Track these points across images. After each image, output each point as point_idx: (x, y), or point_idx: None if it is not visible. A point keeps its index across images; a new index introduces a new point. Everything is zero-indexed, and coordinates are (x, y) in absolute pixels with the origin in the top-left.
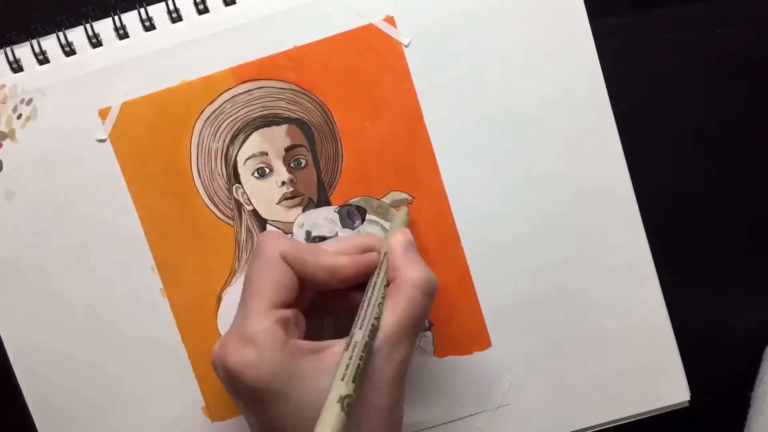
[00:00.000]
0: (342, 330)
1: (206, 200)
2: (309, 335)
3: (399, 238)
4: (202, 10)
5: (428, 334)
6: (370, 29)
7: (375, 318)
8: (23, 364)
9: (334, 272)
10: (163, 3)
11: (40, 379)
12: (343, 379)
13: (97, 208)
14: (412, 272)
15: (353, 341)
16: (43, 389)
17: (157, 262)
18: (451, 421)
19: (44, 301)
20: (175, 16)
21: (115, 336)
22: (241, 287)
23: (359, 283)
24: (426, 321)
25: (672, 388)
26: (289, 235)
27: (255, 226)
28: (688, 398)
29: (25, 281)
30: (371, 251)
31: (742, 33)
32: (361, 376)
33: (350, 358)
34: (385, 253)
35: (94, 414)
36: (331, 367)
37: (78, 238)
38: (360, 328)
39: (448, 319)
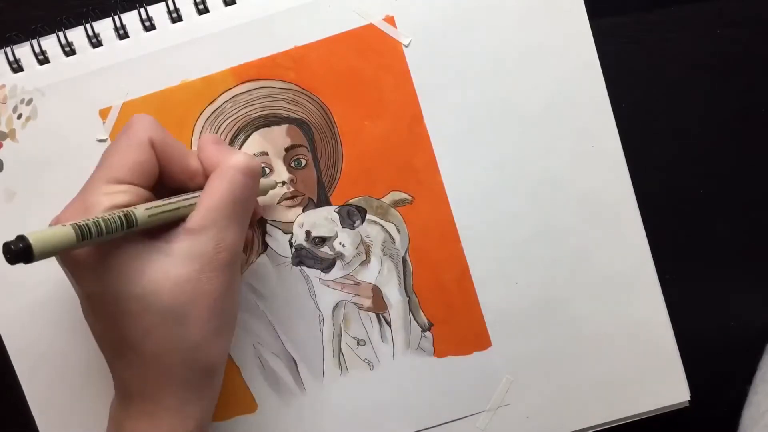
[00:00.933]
0: None
1: None
2: None
3: (206, 137)
4: (202, 10)
5: (428, 334)
6: (370, 29)
7: (184, 200)
8: (23, 363)
9: (194, 178)
10: (163, 3)
11: (40, 379)
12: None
13: None
14: (232, 157)
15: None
16: (43, 389)
17: None
18: (451, 421)
19: (44, 301)
20: (175, 16)
21: None
22: (242, 287)
23: None
24: (425, 319)
25: (672, 388)
26: (289, 233)
27: (255, 226)
28: (688, 398)
29: (24, 281)
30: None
31: (742, 33)
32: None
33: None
34: None
35: (94, 414)
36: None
37: None
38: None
39: (448, 319)
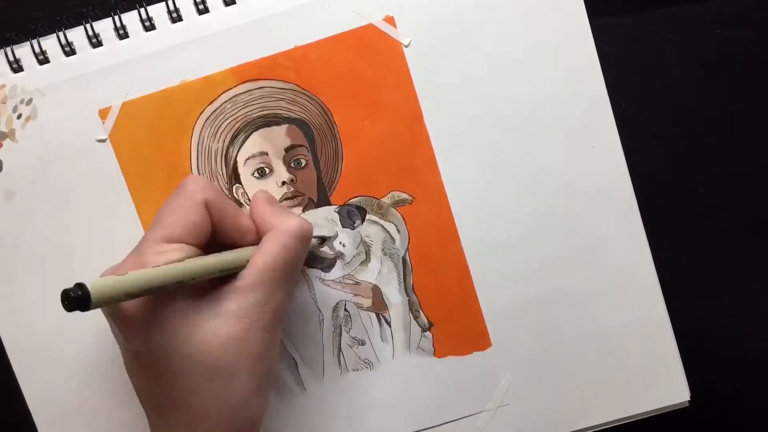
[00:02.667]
0: None
1: None
2: None
3: (259, 196)
4: (202, 10)
5: (428, 334)
6: (370, 29)
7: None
8: (23, 363)
9: (245, 236)
10: (163, 3)
11: (40, 379)
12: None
13: (97, 208)
14: (286, 220)
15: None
16: (43, 389)
17: None
18: (451, 421)
19: (44, 301)
20: (175, 16)
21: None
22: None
23: None
24: (425, 319)
25: (672, 388)
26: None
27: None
28: (688, 398)
29: (25, 281)
30: None
31: (742, 33)
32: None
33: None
34: None
35: (94, 414)
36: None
37: (78, 238)
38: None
39: (448, 319)
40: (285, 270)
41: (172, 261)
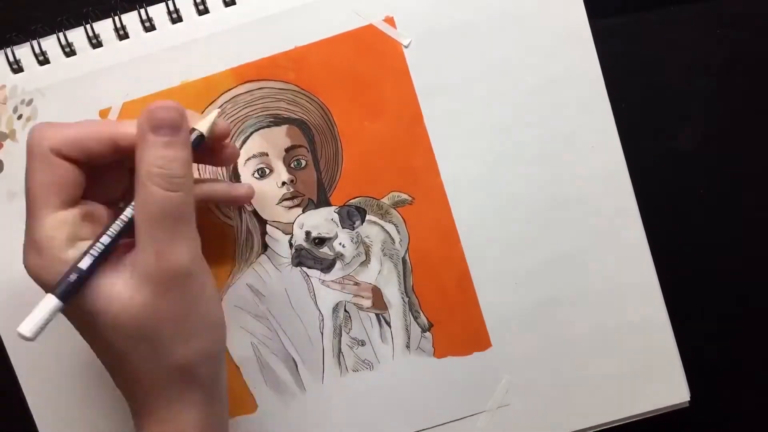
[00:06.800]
0: None
1: None
2: None
3: (140, 118)
4: (202, 10)
5: (428, 334)
6: (370, 30)
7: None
8: (24, 364)
9: (118, 143)
10: (164, 3)
11: (40, 379)
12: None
13: None
14: (141, 162)
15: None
16: (43, 389)
17: None
18: (451, 421)
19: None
20: (175, 17)
21: None
22: (242, 287)
23: None
24: (425, 320)
25: (672, 388)
26: (289, 234)
27: (255, 227)
28: (688, 398)
29: (25, 282)
30: None
31: (742, 33)
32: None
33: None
34: None
35: (94, 414)
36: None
37: None
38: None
39: (448, 319)
40: (160, 223)
41: (75, 236)
